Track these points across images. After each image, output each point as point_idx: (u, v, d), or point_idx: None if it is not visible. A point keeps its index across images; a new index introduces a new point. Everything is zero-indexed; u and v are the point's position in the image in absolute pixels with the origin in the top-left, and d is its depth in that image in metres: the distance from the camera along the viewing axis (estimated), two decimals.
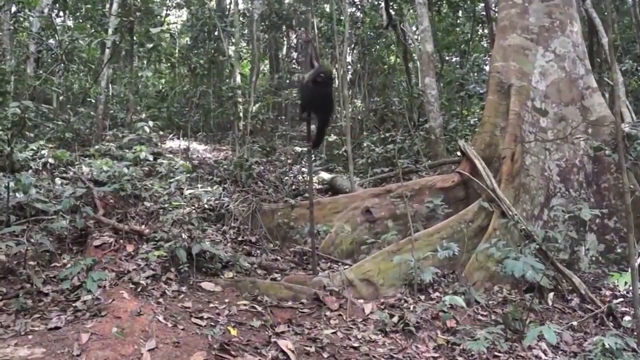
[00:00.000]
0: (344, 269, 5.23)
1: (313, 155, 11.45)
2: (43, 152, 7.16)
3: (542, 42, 6.88)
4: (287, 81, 18.48)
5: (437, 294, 4.84)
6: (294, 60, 20.36)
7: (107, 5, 11.86)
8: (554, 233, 4.86)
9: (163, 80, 17.73)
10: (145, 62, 13.04)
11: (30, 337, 3.29)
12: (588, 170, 6.50)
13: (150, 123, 7.70)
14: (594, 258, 6.10)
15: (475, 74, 13.87)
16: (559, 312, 4.76)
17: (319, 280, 4.77)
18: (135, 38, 9.16)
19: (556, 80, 6.76)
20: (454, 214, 5.87)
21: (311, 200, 5.26)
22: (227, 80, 13.94)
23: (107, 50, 11.39)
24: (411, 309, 4.46)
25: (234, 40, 14.18)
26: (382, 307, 4.57)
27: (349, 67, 16.91)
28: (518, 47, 6.91)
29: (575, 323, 4.41)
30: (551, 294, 4.98)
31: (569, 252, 6.03)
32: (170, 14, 20.12)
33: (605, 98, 8.43)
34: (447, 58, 17.23)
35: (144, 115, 10.90)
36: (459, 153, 7.46)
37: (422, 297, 4.77)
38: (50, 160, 7.01)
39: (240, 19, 15.37)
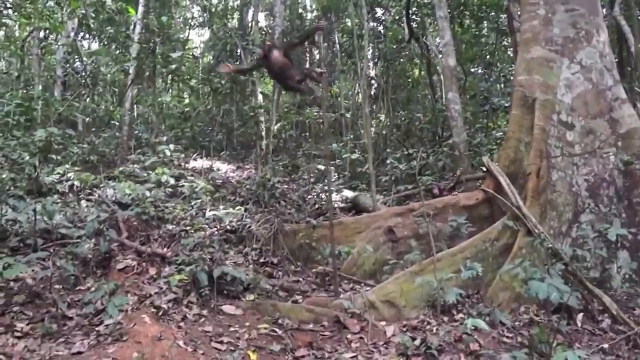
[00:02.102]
0: (366, 290, 5.26)
1: (336, 174, 11.57)
2: (69, 175, 7.44)
3: (567, 53, 6.84)
4: (311, 97, 18.67)
5: (460, 315, 4.82)
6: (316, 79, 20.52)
7: (131, 28, 12.26)
8: (583, 251, 4.80)
9: (187, 101, 18.14)
10: (168, 83, 13.41)
11: None
12: (618, 184, 6.39)
13: (172, 146, 7.89)
14: (626, 276, 5.96)
15: (502, 85, 13.81)
16: (588, 334, 4.67)
17: (340, 302, 4.81)
18: (156, 61, 9.47)
19: (582, 92, 6.69)
20: (478, 232, 5.83)
21: (331, 221, 5.33)
22: (250, 99, 14.20)
23: (130, 73, 11.77)
24: (434, 331, 4.46)
25: (254, 58, 14.45)
26: (404, 329, 4.57)
27: (373, 81, 17.01)
28: (542, 60, 6.88)
29: (606, 346, 4.32)
30: (580, 315, 4.89)
31: (600, 270, 5.90)
32: (193, 34, 20.63)
33: (636, 109, 8.29)
34: (472, 70, 17.19)
35: (166, 138, 11.13)
36: (484, 169, 7.43)
37: (446, 319, 4.76)
38: (76, 183, 7.27)
39: (262, 36, 15.67)
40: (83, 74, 10.34)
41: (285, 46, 6.20)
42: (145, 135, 13.00)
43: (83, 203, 6.64)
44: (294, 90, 6.54)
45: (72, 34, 12.45)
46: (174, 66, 9.48)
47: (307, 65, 17.62)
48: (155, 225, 6.24)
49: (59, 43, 11.60)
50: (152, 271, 5.09)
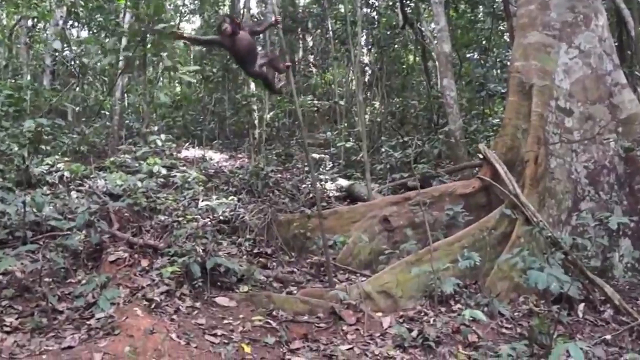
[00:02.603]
0: (362, 280, 5.22)
1: (331, 162, 11.51)
2: (59, 165, 7.34)
3: (565, 38, 6.76)
4: (305, 85, 18.53)
5: (458, 305, 4.79)
6: (311, 64, 20.36)
7: (121, 16, 12.08)
8: (583, 240, 4.74)
9: (178, 89, 17.97)
10: (158, 72, 13.26)
11: (44, 356, 3.37)
12: (619, 171, 6.36)
13: (163, 136, 7.79)
14: (629, 265, 5.94)
15: (499, 71, 13.72)
16: (590, 325, 4.64)
17: (335, 293, 4.76)
18: (147, 50, 9.29)
19: (581, 77, 6.63)
20: (475, 221, 5.80)
21: (319, 210, 5.27)
22: (242, 87, 14.06)
23: (120, 61, 11.58)
24: (431, 322, 4.42)
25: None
26: (401, 320, 4.53)
27: (367, 68, 16.88)
28: (539, 45, 6.80)
29: (608, 337, 4.26)
30: (582, 305, 4.86)
31: (601, 259, 5.89)
32: (184, 21, 20.37)
33: (637, 94, 8.24)
34: (467, 56, 17.08)
35: (156, 128, 11.02)
36: (480, 156, 7.39)
37: (443, 310, 4.72)
38: (66, 174, 7.17)
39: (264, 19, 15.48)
40: (72, 63, 10.18)
41: (252, 29, 5.94)
42: (136, 125, 12.87)
43: (73, 194, 6.55)
44: (255, 76, 6.26)
45: (60, 22, 12.25)
46: (165, 54, 9.28)
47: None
48: (147, 216, 6.17)
49: (48, 32, 11.42)
50: (144, 263, 5.02)
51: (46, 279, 4.48)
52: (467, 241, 5.42)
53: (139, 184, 6.28)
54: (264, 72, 5.95)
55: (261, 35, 11.97)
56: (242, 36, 5.55)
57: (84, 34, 16.44)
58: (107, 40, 12.10)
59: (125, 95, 14.57)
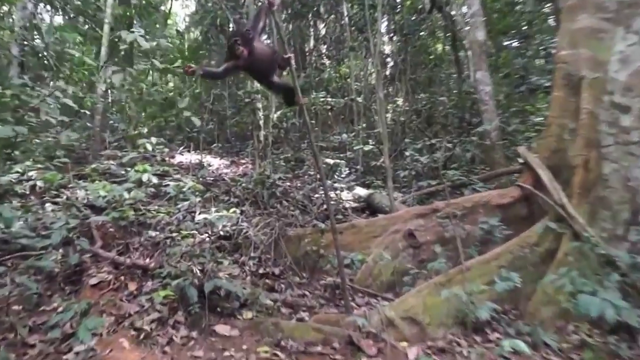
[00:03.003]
0: (384, 305, 5.23)
1: (348, 168, 11.55)
2: (30, 174, 7.42)
3: (622, 22, 6.72)
4: (317, 79, 18.63)
5: (496, 334, 4.78)
6: (324, 55, 20.47)
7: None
8: None
9: (171, 84, 18.15)
10: (147, 64, 13.39)
11: None
12: None
13: (154, 139, 7.89)
14: None
15: (542, 61, 13.70)
16: None
17: (353, 320, 4.78)
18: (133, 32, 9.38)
19: None
20: (514, 236, 5.79)
21: (333, 221, 5.30)
22: (245, 82, 14.16)
23: (103, 50, 11.74)
24: (464, 354, 4.42)
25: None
26: (428, 351, 4.54)
27: (388, 60, 16.94)
28: (590, 30, 6.79)
29: None
30: None
31: None
32: (176, 6, 20.63)
33: None
34: (505, 44, 17.08)
35: (146, 129, 11.14)
36: (520, 161, 7.39)
37: (478, 339, 4.72)
38: (39, 183, 7.26)
39: (256, 7, 15.62)
40: (45, 53, 10.31)
41: (256, 29, 5.39)
42: (122, 126, 13.01)
43: (48, 207, 6.64)
44: (278, 87, 5.69)
45: (30, 6, 12.43)
46: (154, 43, 9.40)
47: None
48: (135, 231, 6.25)
49: (15, 17, 11.58)
50: (132, 286, 5.09)
51: (15, 307, 4.53)
52: (506, 259, 5.42)
53: (126, 194, 6.35)
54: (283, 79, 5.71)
55: (272, 24, 12.02)
56: (259, 48, 5.28)
57: (59, 19, 16.69)
58: (86, 27, 12.28)
59: (109, 91, 14.73)
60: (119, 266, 5.31)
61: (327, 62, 20.04)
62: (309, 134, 5.43)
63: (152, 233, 6.18)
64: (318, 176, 11.51)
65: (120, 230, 6.22)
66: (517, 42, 15.89)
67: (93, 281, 5.03)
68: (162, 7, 18.14)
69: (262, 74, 5.54)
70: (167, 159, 10.69)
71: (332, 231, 5.23)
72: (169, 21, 20.32)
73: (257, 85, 12.06)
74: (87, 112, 12.84)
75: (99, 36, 10.39)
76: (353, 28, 15.81)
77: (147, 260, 5.61)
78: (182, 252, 5.44)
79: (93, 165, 8.22)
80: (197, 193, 7.34)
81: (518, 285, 4.84)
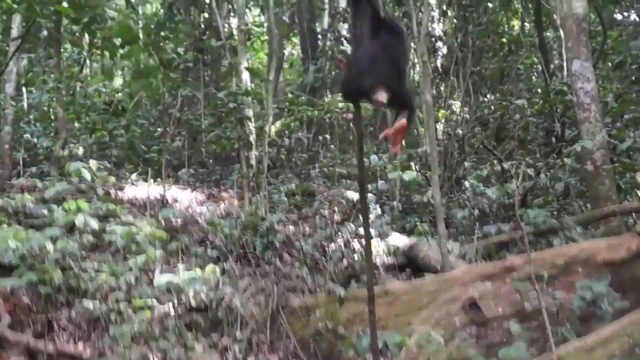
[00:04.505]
0: None
1: (378, 205, 11.54)
2: None
3: None
4: (333, 74, 18.66)
5: None
6: (343, 39, 20.58)
7: None
8: None
9: (118, 81, 18.34)
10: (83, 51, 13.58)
11: None
12: None
13: (94, 162, 7.97)
14: None
15: None
16: None
17: None
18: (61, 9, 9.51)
19: None
20: (632, 309, 5.77)
21: (370, 284, 5.29)
22: (229, 79, 14.30)
23: (13, 31, 11.88)
24: None
25: (235, 7, 14.53)
26: None
27: (439, 44, 17.02)
28: None
29: None
30: None
31: None
32: None
33: None
34: (617, 19, 17.06)
35: (81, 148, 11.27)
36: None
37: None
38: None
39: None
40: None
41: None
42: (45, 142, 13.10)
43: None
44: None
45: None
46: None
47: None
48: (62, 302, 6.26)
49: None
50: None
51: None
52: (619, 345, 5.39)
53: (50, 246, 6.37)
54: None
55: None
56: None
57: None
58: None
59: (24, 90, 14.86)
60: (36, 355, 5.33)
61: (348, 48, 20.17)
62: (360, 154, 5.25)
63: (89, 304, 6.18)
64: (337, 217, 11.54)
65: (39, 300, 6.23)
66: (635, 16, 15.86)
67: None
68: None
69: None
70: (113, 192, 10.74)
71: (369, 299, 5.21)
72: None
73: (246, 82, 12.17)
74: None
75: (6, 7, 10.48)
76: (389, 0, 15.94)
77: (80, 345, 5.62)
78: (133, 332, 5.45)
79: None
80: (157, 243, 7.36)
81: None
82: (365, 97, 4.80)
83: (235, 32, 13.99)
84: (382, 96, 4.54)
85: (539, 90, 14.67)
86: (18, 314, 5.92)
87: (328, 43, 20.27)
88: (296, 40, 23.71)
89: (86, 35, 12.93)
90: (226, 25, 14.29)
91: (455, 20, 16.55)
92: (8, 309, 5.88)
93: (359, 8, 5.01)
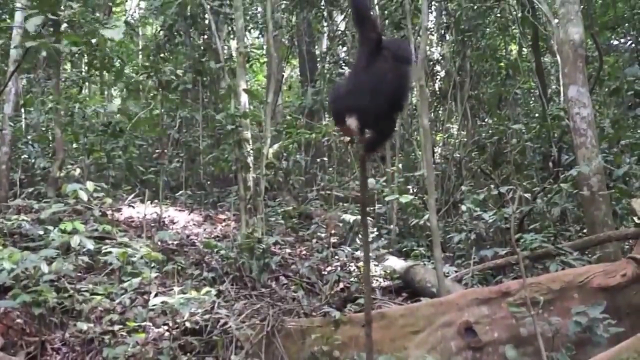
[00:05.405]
0: None
1: (375, 229, 11.57)
2: None
3: None
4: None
5: None
6: (342, 61, 20.68)
7: None
8: None
9: (117, 102, 18.40)
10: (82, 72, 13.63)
11: None
12: None
13: (90, 184, 7.98)
14: None
15: None
16: None
17: None
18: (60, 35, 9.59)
19: None
20: (629, 335, 5.77)
21: (368, 307, 5.32)
22: (227, 101, 14.33)
23: (12, 52, 11.93)
24: None
25: (235, 29, 14.62)
26: None
27: (437, 68, 17.11)
28: None
29: None
30: None
31: None
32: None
33: None
34: (613, 44, 17.13)
35: (78, 170, 11.30)
36: (636, 220, 7.41)
37: None
38: None
39: None
40: None
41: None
42: (43, 163, 13.13)
43: None
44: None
45: None
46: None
47: None
48: (57, 323, 6.26)
49: None
50: None
51: None
52: None
53: (45, 267, 6.38)
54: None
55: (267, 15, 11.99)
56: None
57: None
58: None
59: (23, 110, 14.91)
60: None
61: (346, 70, 20.27)
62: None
63: (83, 325, 6.17)
64: (333, 239, 11.58)
65: (33, 321, 6.23)
66: (631, 42, 15.95)
67: None
68: None
69: None
70: (109, 213, 10.76)
71: (367, 322, 5.25)
72: (117, 8, 20.64)
73: (245, 104, 12.23)
74: None
75: (6, 28, 10.54)
76: (386, 22, 16.04)
77: None
78: (127, 354, 5.46)
79: None
80: (153, 265, 7.38)
81: None
82: (340, 123, 4.91)
83: (234, 54, 14.08)
84: (352, 123, 4.68)
85: (537, 115, 14.73)
86: (11, 335, 5.91)
87: (327, 66, 20.38)
88: (295, 62, 23.80)
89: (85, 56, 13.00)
90: (225, 47, 14.37)
91: (453, 45, 16.65)
92: (1, 331, 5.86)
93: (363, 32, 5.10)
